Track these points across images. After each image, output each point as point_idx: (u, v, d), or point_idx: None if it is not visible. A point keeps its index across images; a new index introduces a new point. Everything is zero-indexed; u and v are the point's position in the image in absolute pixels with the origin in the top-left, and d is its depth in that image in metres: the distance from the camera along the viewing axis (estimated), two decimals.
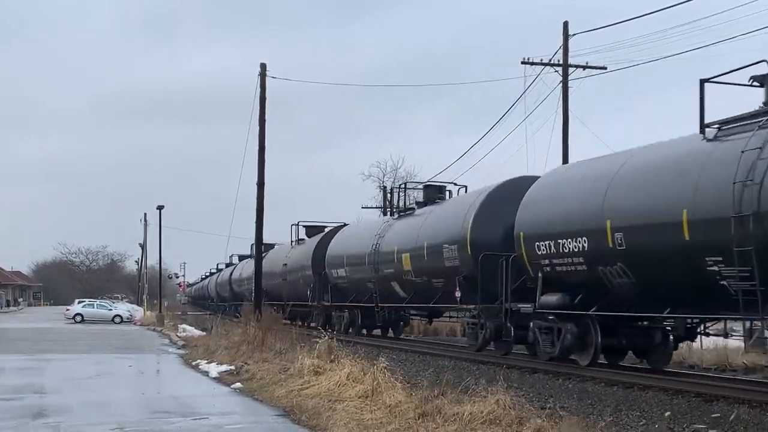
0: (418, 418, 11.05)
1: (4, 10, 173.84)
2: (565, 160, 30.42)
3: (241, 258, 61.53)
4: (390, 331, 32.13)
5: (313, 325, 36.74)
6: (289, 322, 38.84)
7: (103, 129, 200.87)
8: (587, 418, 11.34)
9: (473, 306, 21.57)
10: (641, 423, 11.66)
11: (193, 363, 23.18)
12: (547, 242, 18.00)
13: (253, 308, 29.24)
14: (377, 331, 32.74)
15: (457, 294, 22.14)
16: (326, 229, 38.43)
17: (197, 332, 37.94)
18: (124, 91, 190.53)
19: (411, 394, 12.44)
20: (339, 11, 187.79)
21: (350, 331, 32.33)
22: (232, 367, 20.27)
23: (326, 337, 18.65)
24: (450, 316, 29.23)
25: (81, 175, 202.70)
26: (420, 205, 28.09)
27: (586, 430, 10.21)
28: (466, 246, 21.76)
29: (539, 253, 18.28)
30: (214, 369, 20.46)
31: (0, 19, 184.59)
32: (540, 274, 18.37)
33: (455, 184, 27.63)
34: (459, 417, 10.76)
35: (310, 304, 36.32)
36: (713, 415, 11.91)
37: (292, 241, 41.35)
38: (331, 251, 34.37)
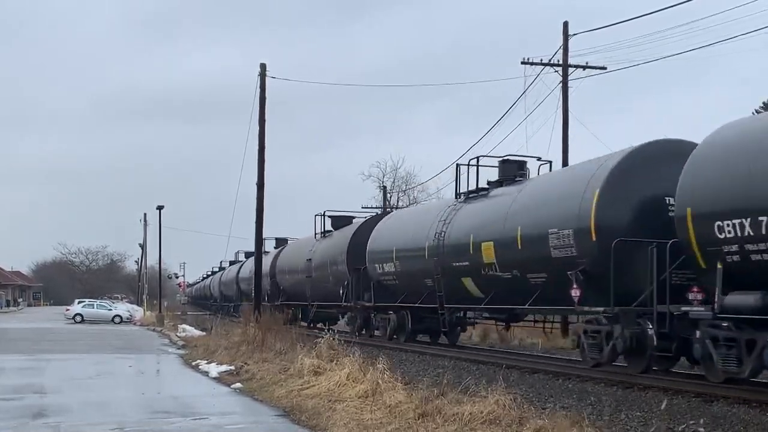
0: (418, 418, 11.06)
1: (4, 10, 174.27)
2: (565, 161, 30.40)
3: (248, 255, 57.55)
4: (443, 337, 26.50)
5: (342, 328, 31.77)
6: (308, 325, 36.86)
7: (103, 129, 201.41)
8: (587, 418, 11.34)
9: (602, 309, 16.79)
10: (641, 423, 11.67)
11: (193, 363, 23.18)
12: (736, 221, 13.44)
13: (253, 308, 29.27)
14: (421, 337, 27.96)
15: (574, 293, 17.34)
16: (354, 220, 34.37)
17: (197, 332, 37.92)
18: (124, 91, 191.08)
19: (411, 394, 12.44)
20: (339, 11, 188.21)
21: (396, 336, 27.54)
22: (232, 367, 20.28)
23: (327, 337, 18.66)
24: (535, 321, 24.11)
25: (81, 175, 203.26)
26: (493, 184, 23.24)
27: (586, 429, 10.20)
28: (588, 230, 17.06)
29: (720, 236, 13.75)
30: (214, 369, 20.47)
31: (0, 19, 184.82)
32: (720, 266, 13.84)
33: (539, 159, 23.24)
34: (459, 417, 10.76)
35: (343, 304, 31.69)
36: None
37: (316, 234, 36.70)
38: (373, 243, 29.21)
